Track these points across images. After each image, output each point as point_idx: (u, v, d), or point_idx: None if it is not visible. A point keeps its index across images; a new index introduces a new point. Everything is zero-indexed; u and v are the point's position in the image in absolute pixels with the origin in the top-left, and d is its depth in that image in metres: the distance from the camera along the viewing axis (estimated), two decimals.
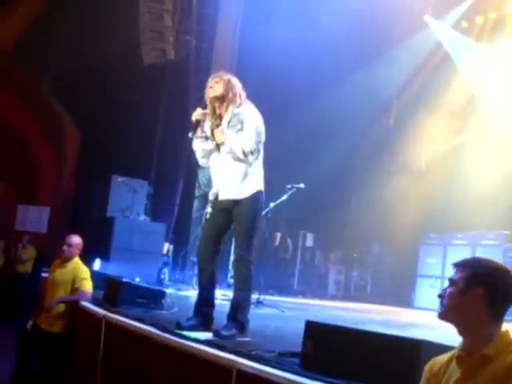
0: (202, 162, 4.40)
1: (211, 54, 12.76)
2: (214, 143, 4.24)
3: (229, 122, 4.19)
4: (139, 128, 12.66)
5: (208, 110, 4.25)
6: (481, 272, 1.94)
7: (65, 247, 5.89)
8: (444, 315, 1.96)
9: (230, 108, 4.20)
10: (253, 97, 4.34)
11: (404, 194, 12.01)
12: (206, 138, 4.26)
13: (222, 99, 4.20)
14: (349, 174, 14.09)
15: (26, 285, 10.34)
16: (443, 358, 2.01)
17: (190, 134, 4.28)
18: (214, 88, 4.19)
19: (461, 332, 1.94)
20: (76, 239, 5.99)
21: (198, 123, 4.25)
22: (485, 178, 10.05)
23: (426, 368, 2.06)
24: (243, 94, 4.27)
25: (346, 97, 12.00)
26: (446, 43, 12.33)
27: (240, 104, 4.21)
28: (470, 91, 11.90)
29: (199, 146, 4.31)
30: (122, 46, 11.77)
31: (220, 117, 4.25)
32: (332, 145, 12.37)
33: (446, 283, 2.00)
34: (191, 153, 4.48)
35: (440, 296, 1.99)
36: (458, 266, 2.01)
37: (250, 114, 4.18)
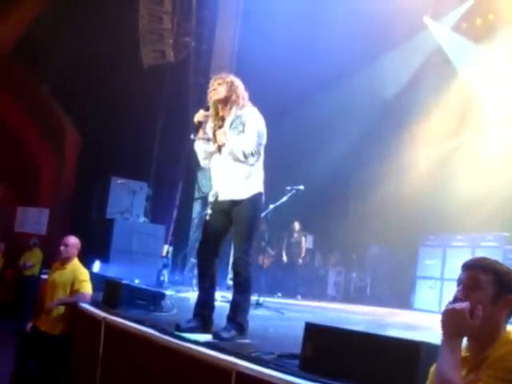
0: (203, 163, 4.41)
1: (210, 56, 12.78)
2: (216, 145, 4.24)
3: (231, 123, 4.19)
4: (139, 129, 12.68)
5: (210, 112, 4.26)
6: (507, 277, 1.91)
7: (62, 247, 5.87)
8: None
9: (233, 110, 4.20)
10: (252, 99, 4.34)
11: (403, 195, 12.01)
12: (208, 140, 4.27)
13: (225, 101, 4.21)
14: (348, 175, 14.08)
15: (32, 287, 10.31)
16: None
17: (191, 136, 4.29)
18: (217, 90, 4.19)
19: (472, 336, 1.91)
20: (73, 239, 5.98)
21: (200, 125, 4.26)
22: (484, 179, 10.05)
23: (431, 370, 2.05)
24: (246, 95, 4.28)
25: (345, 98, 12.01)
26: (445, 45, 12.34)
27: (243, 105, 4.22)
28: (469, 92, 11.91)
29: (201, 147, 4.31)
30: (121, 47, 11.79)
31: (222, 119, 4.25)
32: (331, 146, 12.38)
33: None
34: (191, 154, 4.49)
35: (456, 299, 1.91)
36: (475, 267, 1.94)
37: (252, 116, 4.19)
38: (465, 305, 1.85)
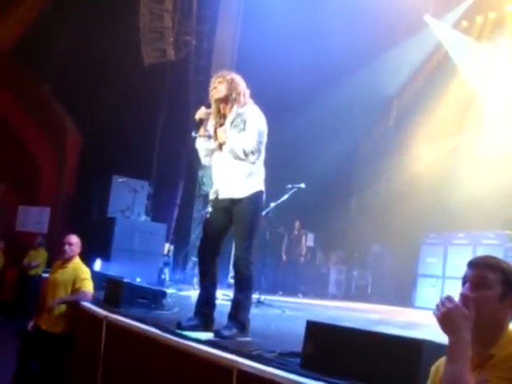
0: (204, 160, 4.41)
1: (211, 54, 12.78)
2: (217, 142, 4.24)
3: (232, 121, 4.19)
4: (139, 128, 12.69)
5: (212, 110, 4.26)
6: None
7: (66, 247, 5.88)
8: (477, 321, 1.83)
9: (235, 108, 4.20)
10: (253, 96, 4.34)
11: (404, 194, 12.02)
12: (209, 137, 4.26)
13: (225, 100, 4.20)
14: (349, 173, 14.10)
15: (37, 286, 10.28)
16: None
17: (193, 133, 4.29)
18: (217, 89, 4.19)
19: (475, 334, 1.87)
20: (75, 238, 6.00)
21: (202, 122, 4.26)
22: (485, 177, 10.05)
23: (432, 369, 2.04)
24: (247, 92, 4.27)
25: (347, 97, 12.01)
26: (446, 43, 12.34)
27: (244, 103, 4.21)
28: (469, 90, 11.90)
29: (202, 144, 4.31)
30: (122, 46, 11.79)
31: (224, 116, 4.25)
32: (332, 145, 12.38)
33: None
34: (192, 152, 4.49)
35: (463, 296, 1.88)
36: (483, 265, 1.92)
37: (253, 114, 4.19)
38: (453, 304, 1.82)
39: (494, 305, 1.87)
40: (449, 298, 1.85)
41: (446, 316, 1.82)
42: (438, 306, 1.85)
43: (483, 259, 1.98)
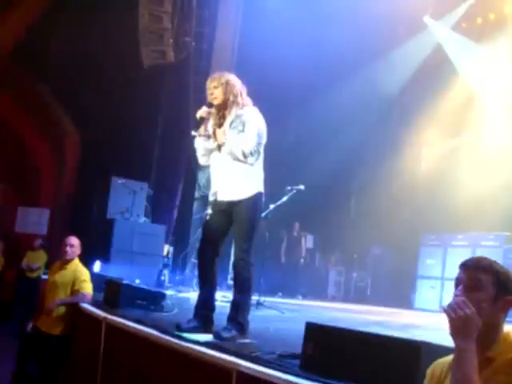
0: (202, 160, 4.41)
1: (211, 55, 12.78)
2: (216, 143, 4.24)
3: (231, 122, 4.20)
4: (139, 130, 12.67)
5: (213, 110, 4.27)
6: (506, 277, 1.90)
7: (67, 248, 5.87)
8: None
9: (233, 109, 4.21)
10: (253, 98, 4.34)
11: (404, 195, 12.01)
12: (208, 137, 4.27)
13: (224, 105, 4.22)
14: (349, 175, 14.08)
15: (36, 288, 10.24)
16: (446, 360, 1.97)
17: (192, 131, 4.29)
18: (214, 95, 4.20)
19: None
20: (76, 239, 6.00)
21: (202, 121, 4.27)
22: (484, 179, 10.05)
23: (429, 371, 2.03)
24: (244, 91, 4.28)
25: (346, 98, 12.01)
26: (446, 44, 12.33)
27: (243, 104, 4.23)
28: (469, 92, 11.91)
29: (201, 144, 4.32)
30: (121, 47, 11.78)
31: (224, 117, 4.26)
32: (332, 146, 12.38)
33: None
34: (191, 154, 4.49)
35: (458, 299, 1.86)
36: (475, 267, 1.92)
37: (252, 116, 4.20)
38: (471, 310, 1.82)
39: (487, 307, 1.87)
40: (466, 302, 1.83)
41: (464, 321, 1.80)
42: (452, 306, 1.83)
43: (476, 261, 1.97)
